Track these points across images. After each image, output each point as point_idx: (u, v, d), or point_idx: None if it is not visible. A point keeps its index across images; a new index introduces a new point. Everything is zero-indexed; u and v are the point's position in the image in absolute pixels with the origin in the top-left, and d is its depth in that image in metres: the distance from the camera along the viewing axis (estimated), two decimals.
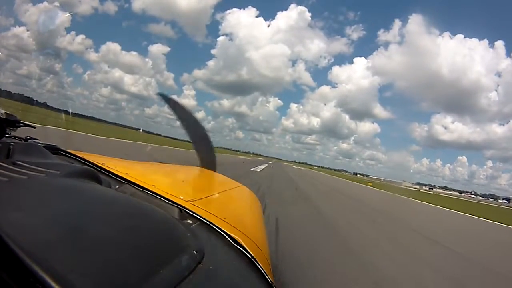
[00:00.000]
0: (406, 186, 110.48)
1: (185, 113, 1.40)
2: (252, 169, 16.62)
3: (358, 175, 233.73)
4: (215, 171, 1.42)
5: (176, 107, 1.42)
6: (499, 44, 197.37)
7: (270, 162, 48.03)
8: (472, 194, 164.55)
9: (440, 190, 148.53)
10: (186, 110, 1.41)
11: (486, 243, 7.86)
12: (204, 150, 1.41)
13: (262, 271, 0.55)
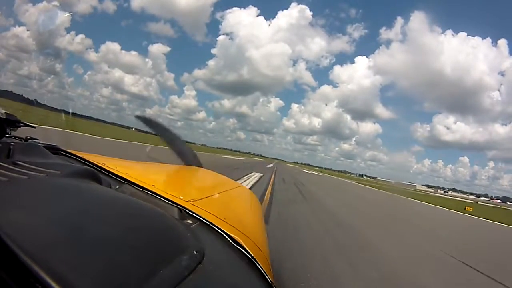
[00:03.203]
0: (422, 190, 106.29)
1: (162, 128, 1.57)
2: None
3: (364, 177, 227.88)
4: (201, 166, 1.55)
5: (153, 125, 1.58)
6: (502, 42, 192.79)
7: (270, 165, 35.90)
8: (498, 199, 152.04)
9: (456, 194, 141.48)
10: (162, 126, 1.59)
11: None
12: (186, 154, 1.55)
13: (262, 271, 0.55)
